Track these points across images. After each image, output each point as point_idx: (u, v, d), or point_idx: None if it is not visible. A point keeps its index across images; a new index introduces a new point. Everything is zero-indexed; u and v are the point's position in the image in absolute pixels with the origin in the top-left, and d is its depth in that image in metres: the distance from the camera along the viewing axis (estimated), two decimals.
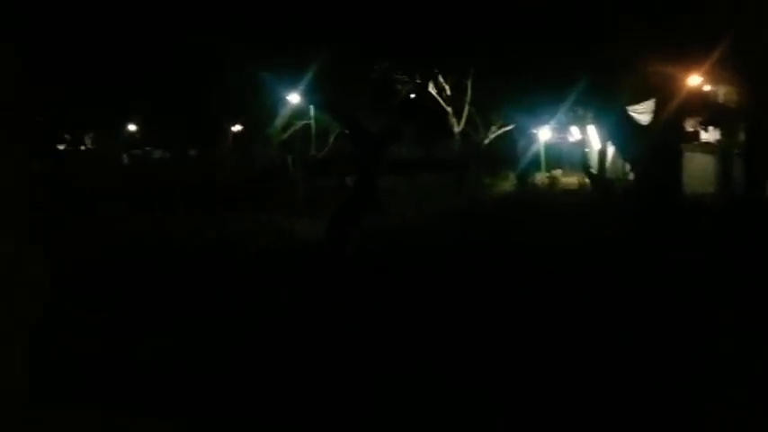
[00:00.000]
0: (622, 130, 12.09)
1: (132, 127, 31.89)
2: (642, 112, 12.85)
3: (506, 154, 26.86)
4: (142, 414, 4.03)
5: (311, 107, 21.68)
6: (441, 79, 21.45)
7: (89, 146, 30.54)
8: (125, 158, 34.30)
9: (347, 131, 14.32)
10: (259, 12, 9.22)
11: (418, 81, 17.50)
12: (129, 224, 13.81)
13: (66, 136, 26.62)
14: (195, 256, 10.45)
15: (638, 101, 12.94)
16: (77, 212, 14.06)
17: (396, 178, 21.63)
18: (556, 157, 29.18)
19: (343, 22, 9.09)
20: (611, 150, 20.26)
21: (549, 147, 28.66)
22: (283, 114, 23.58)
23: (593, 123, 21.45)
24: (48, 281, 4.35)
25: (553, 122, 24.23)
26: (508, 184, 25.57)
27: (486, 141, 25.77)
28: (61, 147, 26.50)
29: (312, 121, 24.18)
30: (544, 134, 26.98)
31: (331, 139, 24.55)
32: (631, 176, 15.66)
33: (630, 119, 12.27)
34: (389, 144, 13.29)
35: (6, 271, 4.15)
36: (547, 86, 13.46)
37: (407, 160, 26.39)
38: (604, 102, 12.24)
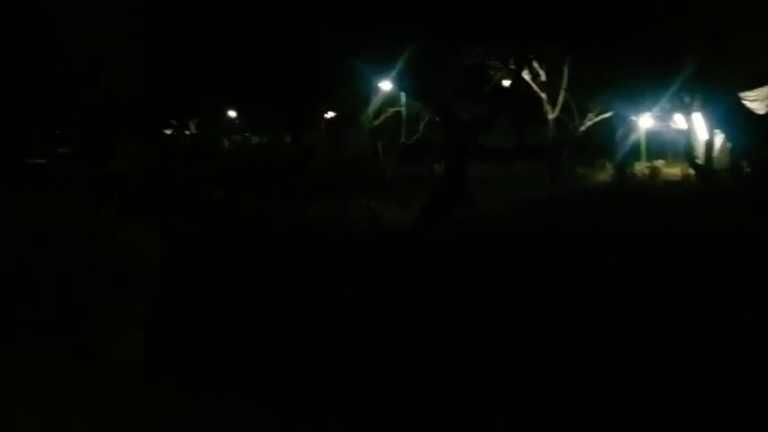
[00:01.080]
0: (733, 119, 11.36)
1: (232, 113, 33.30)
2: (754, 100, 11.99)
3: (604, 142, 25.79)
4: (251, 398, 4.17)
5: (403, 94, 21.78)
6: (535, 65, 20.91)
7: (193, 131, 32.11)
8: (226, 143, 35.86)
9: (438, 119, 14.29)
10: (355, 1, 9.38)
11: (512, 67, 17.15)
12: (229, 208, 14.50)
13: (172, 121, 28.13)
14: (286, 241, 10.81)
15: (750, 87, 12.09)
16: (182, 196, 14.90)
17: (487, 166, 21.35)
18: (658, 147, 27.72)
19: (438, 9, 9.08)
20: (718, 140, 19.05)
21: (650, 135, 27.27)
22: (375, 101, 23.85)
23: (699, 111, 20.20)
24: (162, 265, 4.69)
25: (655, 110, 23.01)
26: (605, 173, 24.61)
27: (583, 129, 24.88)
28: (168, 131, 28.04)
29: (403, 108, 24.30)
30: (645, 122, 25.67)
31: (421, 126, 24.58)
32: (739, 167, 14.67)
33: (742, 106, 11.49)
34: (481, 132, 13.15)
35: (124, 256, 4.52)
36: (650, 72, 12.83)
37: (499, 148, 25.92)
38: (714, 88, 11.53)
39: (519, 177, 21.39)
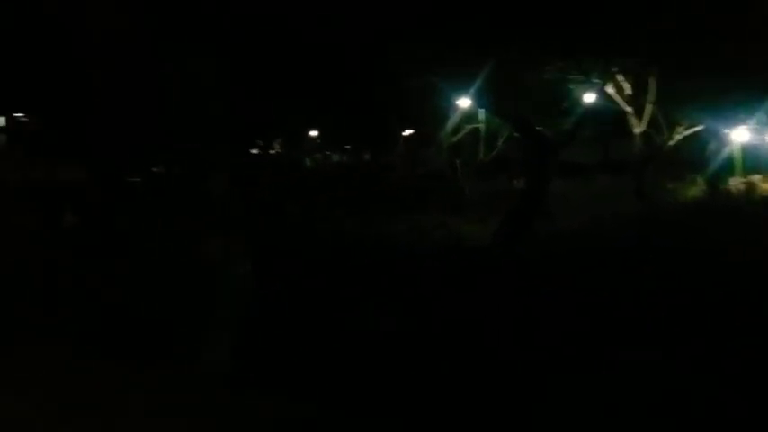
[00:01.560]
0: None
1: (314, 132, 34.28)
2: None
3: (694, 157, 24.64)
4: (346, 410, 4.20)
5: (481, 110, 21.70)
6: (620, 78, 20.33)
7: (278, 150, 33.24)
8: (307, 162, 36.90)
9: (518, 134, 14.15)
10: (434, 18, 9.49)
11: (595, 81, 16.76)
12: (312, 223, 14.88)
13: (258, 141, 29.25)
14: (366, 256, 10.91)
15: None
16: (267, 213, 15.39)
17: (569, 182, 20.87)
18: (754, 161, 26.17)
19: (521, 25, 9.06)
20: None
21: (746, 149, 25.79)
22: (453, 118, 23.89)
23: None
24: (252, 278, 4.93)
25: (752, 122, 21.78)
26: (695, 189, 23.45)
27: (671, 143, 23.88)
28: (254, 151, 29.13)
29: (482, 125, 24.18)
30: (740, 135, 24.33)
31: (500, 143, 24.36)
32: None
33: None
34: (563, 147, 12.92)
35: (216, 270, 4.79)
36: (744, 83, 12.21)
37: (582, 163, 25.29)
38: None
39: (602, 193, 20.75)
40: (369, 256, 10.59)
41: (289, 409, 4.06)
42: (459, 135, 24.88)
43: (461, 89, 14.21)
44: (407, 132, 29.67)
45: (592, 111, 18.32)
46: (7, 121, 24.00)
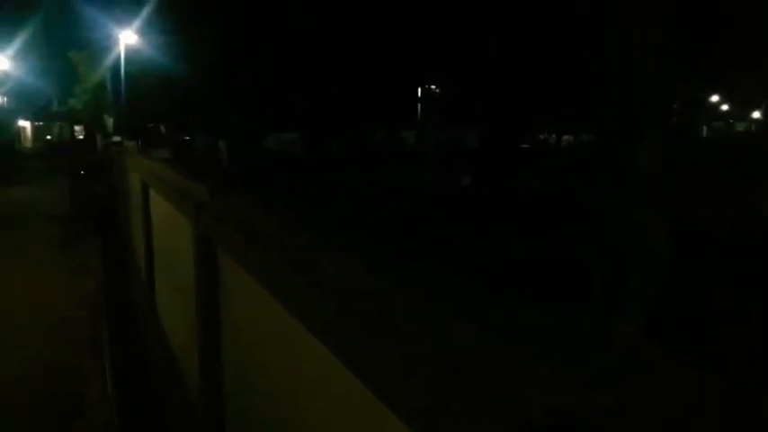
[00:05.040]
0: None
1: (714, 98, 30.41)
2: None
3: None
4: None
5: None
6: None
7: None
8: (704, 131, 33.10)
9: None
10: None
11: None
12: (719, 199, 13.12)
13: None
14: None
15: None
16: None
17: None
18: None
19: None
20: None
21: None
22: None
23: None
24: (668, 250, 4.68)
25: None
26: None
27: None
28: None
29: None
30: None
31: None
32: None
33: None
34: None
35: (634, 239, 4.65)
36: None
37: None
38: None
39: None
40: None
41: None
42: None
43: None
44: None
45: None
46: (422, 91, 27.56)
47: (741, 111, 31.90)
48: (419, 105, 27.67)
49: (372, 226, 8.82)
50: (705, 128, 33.42)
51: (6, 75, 24.40)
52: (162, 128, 25.16)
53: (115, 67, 22.49)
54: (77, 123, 34.98)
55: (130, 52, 21.51)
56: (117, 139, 12.87)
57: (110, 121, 26.24)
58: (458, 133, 27.04)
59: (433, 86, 27.46)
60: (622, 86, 4.48)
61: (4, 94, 24.66)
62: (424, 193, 15.09)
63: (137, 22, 20.75)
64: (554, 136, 30.89)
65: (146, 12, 20.41)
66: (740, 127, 33.84)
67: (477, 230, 9.24)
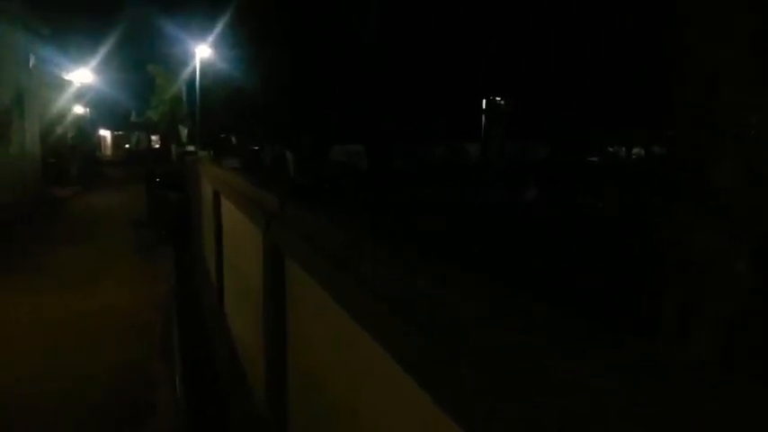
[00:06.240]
0: None
1: None
2: None
3: None
4: None
5: None
6: None
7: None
8: None
9: None
10: None
11: None
12: None
13: None
14: None
15: None
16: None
17: None
18: None
19: None
20: None
21: None
22: None
23: None
24: (749, 275, 4.41)
25: None
26: None
27: None
28: None
29: None
30: None
31: None
32: None
33: None
34: None
35: (710, 263, 4.42)
36: None
37: None
38: None
39: None
40: None
41: None
42: None
43: None
44: None
45: None
46: (487, 103, 27.23)
47: None
48: (483, 117, 27.39)
49: (423, 237, 8.77)
50: None
51: (89, 87, 25.78)
52: (233, 138, 25.93)
53: (190, 80, 23.45)
54: (154, 133, 36.63)
55: (204, 65, 22.37)
56: (191, 148, 13.32)
57: (184, 132, 27.30)
58: (524, 146, 26.60)
59: (498, 98, 27.13)
60: (698, 96, 4.28)
61: (86, 105, 26.08)
62: (484, 206, 14.88)
63: (211, 37, 21.55)
64: (623, 149, 29.86)
65: (220, 26, 21.15)
66: None
67: (536, 248, 9.04)
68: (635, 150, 29.09)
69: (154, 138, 37.99)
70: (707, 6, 4.44)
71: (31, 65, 13.76)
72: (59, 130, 18.16)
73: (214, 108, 22.80)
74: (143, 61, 28.16)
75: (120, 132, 41.92)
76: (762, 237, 5.86)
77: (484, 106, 27.06)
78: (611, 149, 33.16)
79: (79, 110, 24.01)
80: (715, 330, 4.68)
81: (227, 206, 3.40)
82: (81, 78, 23.80)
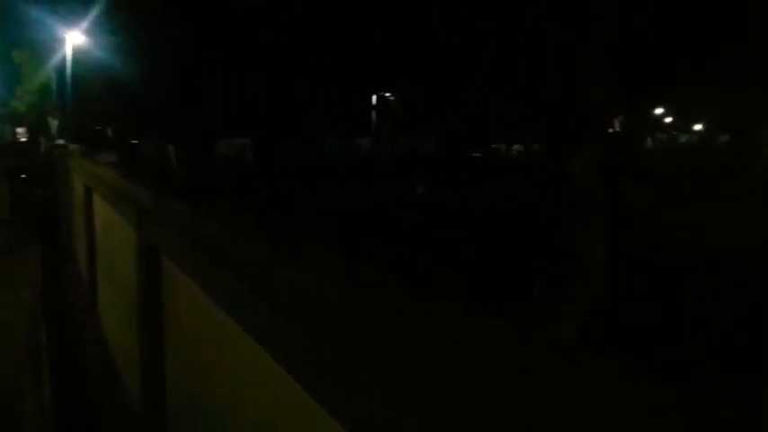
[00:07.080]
0: None
1: (658, 110, 31.52)
2: None
3: None
4: None
5: None
6: None
7: (617, 129, 31.63)
8: (649, 142, 34.22)
9: None
10: None
11: None
12: (662, 213, 13.57)
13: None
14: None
15: None
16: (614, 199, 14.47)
17: None
18: None
19: None
20: None
21: None
22: None
23: None
24: (604, 260, 4.84)
25: None
26: None
27: None
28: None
29: None
30: None
31: None
32: None
33: None
34: None
35: (573, 253, 4.78)
36: None
37: None
38: None
39: None
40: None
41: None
42: None
43: None
44: None
45: None
46: (378, 99, 27.58)
47: (684, 123, 33.17)
48: (373, 112, 27.75)
49: (321, 235, 8.79)
50: (649, 139, 34.53)
51: None
52: (109, 131, 24.47)
53: (61, 68, 21.78)
54: (20, 125, 33.65)
55: (78, 53, 20.86)
56: (61, 141, 12.45)
57: (54, 124, 25.36)
58: (412, 141, 27.25)
59: (387, 94, 27.60)
60: (564, 99, 4.60)
61: None
62: (376, 200, 15.05)
63: (85, 23, 20.14)
64: (505, 146, 31.47)
65: (94, 12, 19.85)
66: (683, 138, 35.18)
67: (431, 240, 9.30)
68: (515, 147, 30.75)
69: (20, 130, 34.94)
70: (584, 12, 4.75)
71: None
72: None
73: (89, 99, 21.36)
74: (7, 47, 25.78)
75: None
76: (614, 225, 6.33)
77: (374, 102, 27.41)
78: (494, 146, 34.94)
79: None
80: (576, 314, 5.06)
81: (98, 203, 3.21)
82: None
